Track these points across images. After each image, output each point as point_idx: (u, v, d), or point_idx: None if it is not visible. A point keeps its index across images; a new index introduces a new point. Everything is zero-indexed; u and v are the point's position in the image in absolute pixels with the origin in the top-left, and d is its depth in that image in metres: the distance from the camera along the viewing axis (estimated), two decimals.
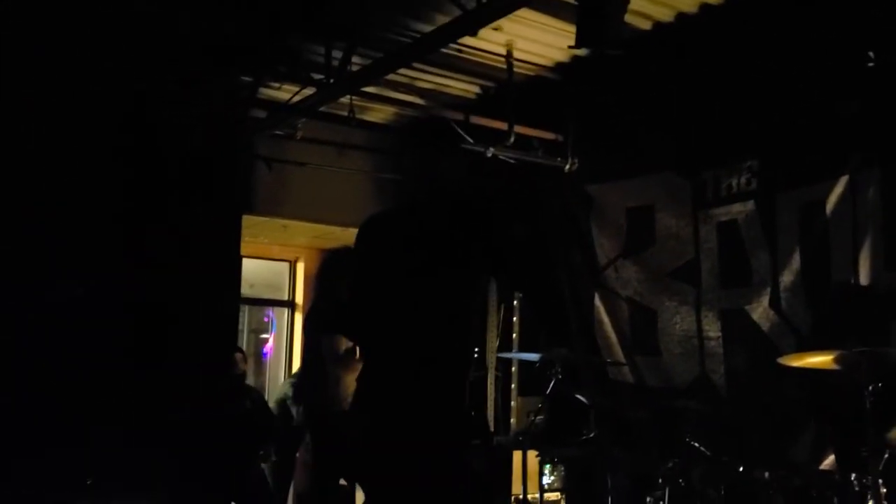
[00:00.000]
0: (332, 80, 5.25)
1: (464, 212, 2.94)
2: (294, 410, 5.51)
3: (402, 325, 2.86)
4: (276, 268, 7.75)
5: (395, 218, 3.05)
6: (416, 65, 5.50)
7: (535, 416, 4.54)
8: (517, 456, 4.53)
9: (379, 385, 2.88)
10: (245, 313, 7.75)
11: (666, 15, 4.90)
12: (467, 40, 5.05)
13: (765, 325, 4.77)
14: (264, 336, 8.05)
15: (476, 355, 3.30)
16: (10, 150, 4.52)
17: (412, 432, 2.76)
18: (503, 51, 5.34)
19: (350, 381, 5.17)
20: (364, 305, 2.99)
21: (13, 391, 4.24)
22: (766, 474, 3.81)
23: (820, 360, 3.42)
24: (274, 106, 5.96)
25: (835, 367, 3.35)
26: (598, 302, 5.73)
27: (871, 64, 4.19)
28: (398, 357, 2.85)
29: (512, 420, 5.25)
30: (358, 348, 5.24)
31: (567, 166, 5.83)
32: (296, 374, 6.58)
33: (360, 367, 5.15)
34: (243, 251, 5.92)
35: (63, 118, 4.68)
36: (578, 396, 4.68)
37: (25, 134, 4.55)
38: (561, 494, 5.12)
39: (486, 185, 4.46)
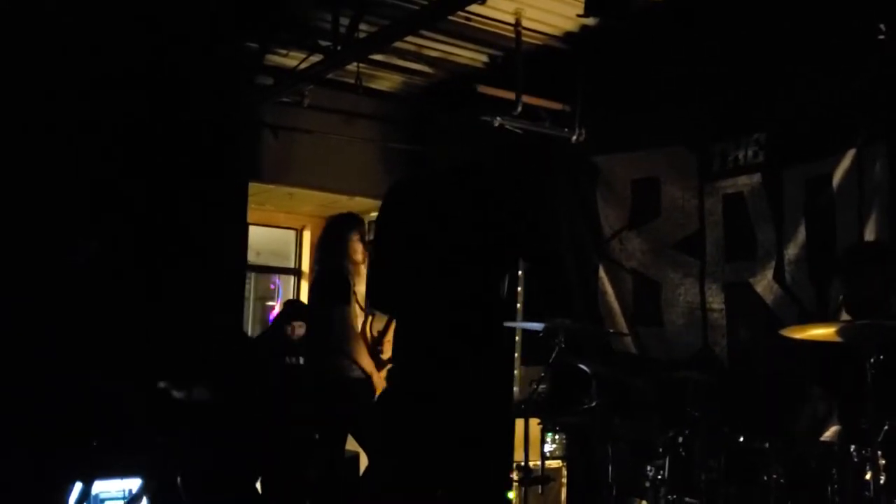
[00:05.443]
0: (339, 47, 5.23)
1: (486, 180, 2.98)
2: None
3: (440, 292, 2.91)
4: (282, 236, 7.77)
5: (425, 185, 3.08)
6: (423, 33, 5.47)
7: (538, 385, 4.58)
8: (519, 423, 4.57)
9: (417, 351, 2.95)
10: (251, 281, 7.80)
11: None
12: (476, 8, 5.01)
13: (768, 298, 4.78)
14: (270, 303, 8.10)
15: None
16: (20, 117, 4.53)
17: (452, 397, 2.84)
18: (512, 19, 5.31)
19: (359, 348, 5.24)
20: (398, 274, 3.02)
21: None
22: (766, 445, 3.85)
23: (822, 331, 3.43)
24: (280, 73, 5.94)
25: (837, 339, 3.36)
26: (602, 273, 5.75)
27: (881, 37, 4.16)
28: (434, 324, 2.91)
29: (515, 388, 5.29)
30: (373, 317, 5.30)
31: (574, 137, 5.81)
32: None
33: (361, 335, 5.19)
34: (249, 219, 5.94)
35: (67, 85, 4.68)
36: (581, 366, 4.71)
37: (31, 104, 4.56)
38: (562, 462, 5.18)
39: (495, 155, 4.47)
